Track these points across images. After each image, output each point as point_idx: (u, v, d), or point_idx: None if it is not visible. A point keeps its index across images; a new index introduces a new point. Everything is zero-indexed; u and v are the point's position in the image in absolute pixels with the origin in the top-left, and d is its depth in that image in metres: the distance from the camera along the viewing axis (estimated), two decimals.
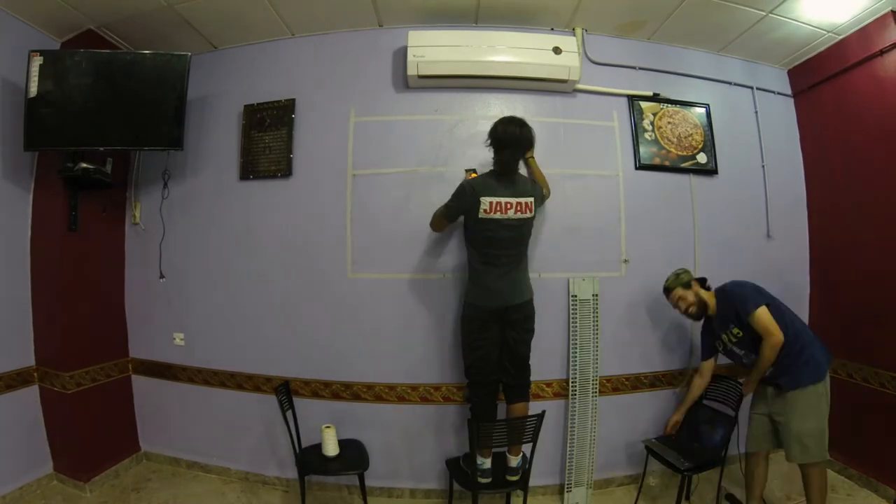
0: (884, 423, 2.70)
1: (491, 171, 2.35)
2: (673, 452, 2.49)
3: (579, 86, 2.88)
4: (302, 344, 2.84)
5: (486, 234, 2.25)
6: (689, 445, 2.58)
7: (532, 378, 2.68)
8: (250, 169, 2.93)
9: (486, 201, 2.21)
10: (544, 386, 2.79)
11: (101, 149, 2.66)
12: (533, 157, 2.64)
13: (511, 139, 2.24)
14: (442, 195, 2.72)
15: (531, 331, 2.39)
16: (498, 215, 2.22)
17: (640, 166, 2.95)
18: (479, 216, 2.23)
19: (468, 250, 2.41)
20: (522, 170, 2.57)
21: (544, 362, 2.74)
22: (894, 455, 2.58)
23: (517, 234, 2.29)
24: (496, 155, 2.30)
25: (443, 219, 2.43)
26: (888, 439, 2.63)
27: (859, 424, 2.84)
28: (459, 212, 2.34)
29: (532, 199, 2.29)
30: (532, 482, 2.78)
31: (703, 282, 2.56)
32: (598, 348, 2.78)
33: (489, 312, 2.29)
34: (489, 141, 2.31)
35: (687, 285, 2.50)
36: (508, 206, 2.22)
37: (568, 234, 2.83)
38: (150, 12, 2.69)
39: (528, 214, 2.28)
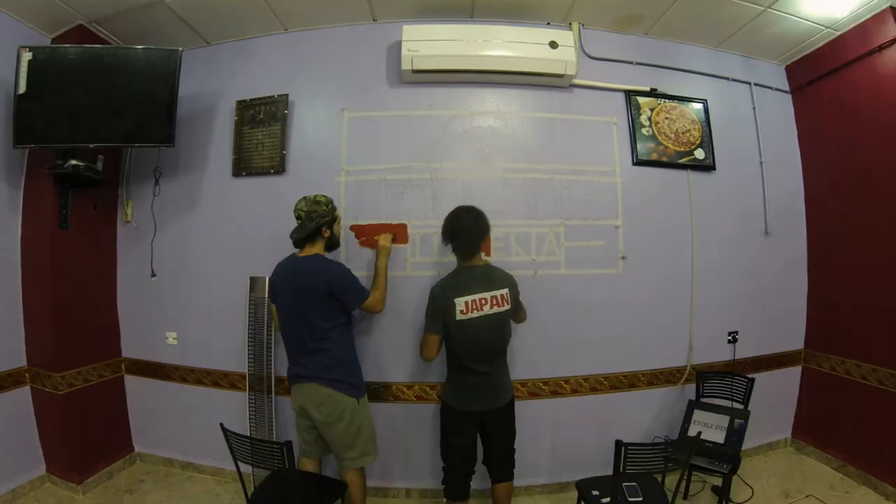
0: (881, 420, 2.69)
1: (456, 269, 2.21)
2: (698, 457, 2.43)
3: (576, 81, 2.85)
4: None
5: (467, 336, 2.08)
6: (703, 446, 2.52)
7: (527, 376, 2.69)
8: (243, 165, 2.90)
9: (460, 302, 2.05)
10: (541, 385, 2.77)
11: (92, 146, 2.62)
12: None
13: (463, 226, 2.12)
14: (436, 193, 2.74)
15: (513, 428, 2.27)
16: (476, 314, 2.06)
17: (638, 162, 2.92)
18: (457, 318, 2.06)
19: (447, 351, 2.20)
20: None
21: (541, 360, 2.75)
22: (892, 452, 2.56)
23: (499, 334, 2.14)
24: (454, 246, 2.16)
25: (429, 336, 2.13)
26: (886, 436, 2.62)
27: (857, 421, 2.83)
28: (440, 316, 2.09)
29: (507, 290, 2.14)
30: (530, 481, 2.80)
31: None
32: None
33: (469, 417, 2.15)
34: (444, 239, 2.20)
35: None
36: (483, 301, 2.07)
37: (565, 231, 2.81)
38: (141, 7, 2.66)
39: (506, 307, 2.12)
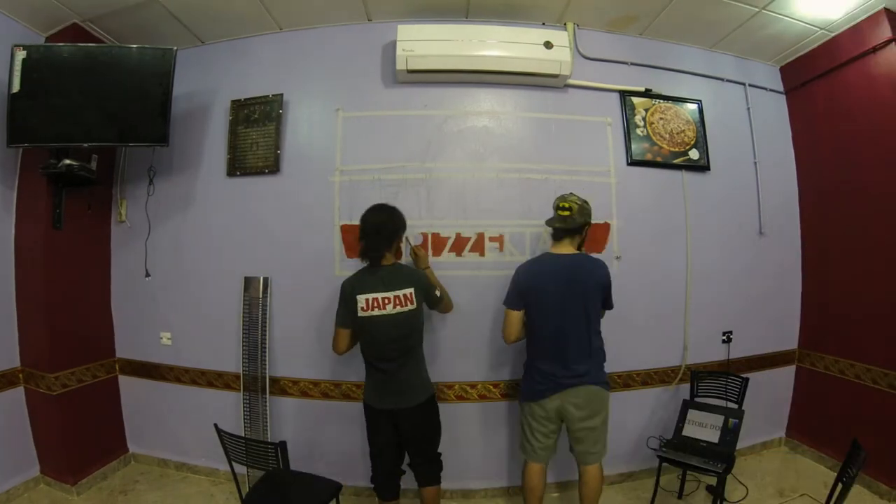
0: (876, 419, 2.70)
1: (366, 266, 2.19)
2: (693, 457, 2.42)
3: (571, 81, 2.85)
4: (290, 342, 2.81)
5: (369, 334, 2.11)
6: (697, 445, 2.53)
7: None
8: (238, 165, 2.89)
9: (361, 299, 2.08)
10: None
11: (86, 145, 2.61)
12: (429, 268, 2.45)
13: (369, 227, 2.14)
14: (430, 193, 2.74)
15: (432, 431, 2.24)
16: (376, 312, 2.07)
17: (632, 162, 2.93)
18: (359, 315, 2.09)
19: (360, 347, 2.23)
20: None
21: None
22: (886, 451, 2.57)
23: (403, 332, 2.11)
24: (362, 247, 2.17)
25: (338, 331, 2.17)
26: (880, 436, 2.62)
27: (851, 421, 2.84)
28: (347, 311, 2.13)
29: (412, 290, 2.11)
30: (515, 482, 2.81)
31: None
32: None
33: (381, 414, 2.15)
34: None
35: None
36: (386, 301, 2.08)
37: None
38: (136, 6, 2.65)
39: (410, 307, 2.10)
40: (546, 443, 2.23)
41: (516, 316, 2.20)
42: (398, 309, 2.09)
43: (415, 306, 2.12)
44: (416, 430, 2.16)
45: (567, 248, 2.21)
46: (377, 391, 2.17)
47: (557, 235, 2.24)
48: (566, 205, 2.19)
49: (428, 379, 2.25)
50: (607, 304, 2.26)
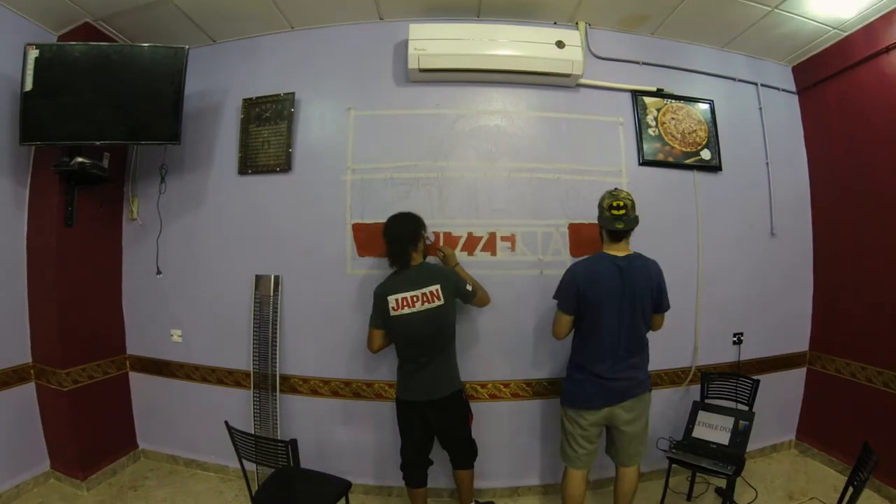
0: (887, 423, 2.68)
1: (394, 270, 2.35)
2: (703, 459, 2.43)
3: (582, 80, 2.84)
4: (301, 340, 2.81)
5: (401, 331, 2.25)
6: (707, 447, 2.53)
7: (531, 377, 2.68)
8: (249, 163, 2.90)
9: (391, 300, 2.23)
10: (546, 384, 2.77)
11: (98, 143, 2.63)
12: (458, 265, 2.53)
13: (391, 238, 2.31)
14: (442, 192, 2.74)
15: (463, 421, 2.35)
16: (406, 310, 2.21)
17: (644, 162, 2.91)
18: (391, 315, 2.23)
19: (394, 345, 2.38)
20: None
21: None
22: None
23: (434, 327, 2.23)
24: (387, 253, 2.35)
25: (372, 332, 2.33)
26: (891, 439, 2.61)
27: (862, 424, 2.82)
28: (379, 312, 2.28)
29: (438, 287, 2.23)
30: (532, 481, 2.80)
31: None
32: None
33: (411, 406, 2.29)
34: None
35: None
36: (415, 299, 2.22)
37: (570, 231, 2.80)
38: (148, 5, 2.66)
39: (438, 302, 2.22)
40: (590, 448, 2.21)
41: (567, 321, 2.16)
42: (426, 306, 2.22)
43: (442, 302, 2.23)
44: (444, 417, 2.29)
45: (624, 249, 2.13)
46: (408, 384, 2.30)
47: (617, 236, 2.12)
48: (619, 203, 2.09)
49: (457, 374, 2.35)
50: (662, 306, 2.21)
